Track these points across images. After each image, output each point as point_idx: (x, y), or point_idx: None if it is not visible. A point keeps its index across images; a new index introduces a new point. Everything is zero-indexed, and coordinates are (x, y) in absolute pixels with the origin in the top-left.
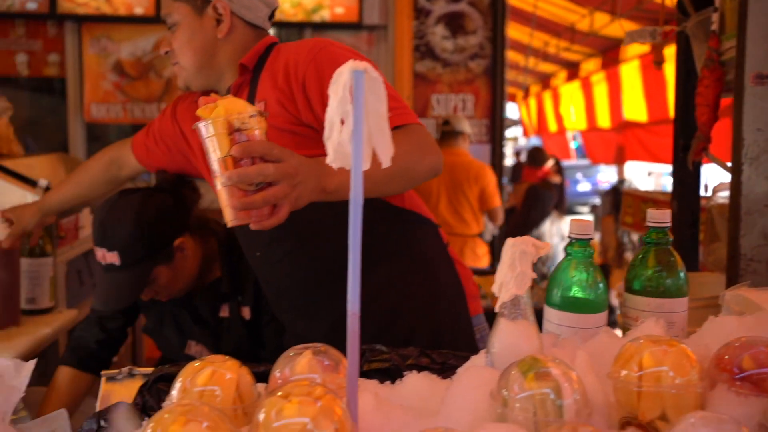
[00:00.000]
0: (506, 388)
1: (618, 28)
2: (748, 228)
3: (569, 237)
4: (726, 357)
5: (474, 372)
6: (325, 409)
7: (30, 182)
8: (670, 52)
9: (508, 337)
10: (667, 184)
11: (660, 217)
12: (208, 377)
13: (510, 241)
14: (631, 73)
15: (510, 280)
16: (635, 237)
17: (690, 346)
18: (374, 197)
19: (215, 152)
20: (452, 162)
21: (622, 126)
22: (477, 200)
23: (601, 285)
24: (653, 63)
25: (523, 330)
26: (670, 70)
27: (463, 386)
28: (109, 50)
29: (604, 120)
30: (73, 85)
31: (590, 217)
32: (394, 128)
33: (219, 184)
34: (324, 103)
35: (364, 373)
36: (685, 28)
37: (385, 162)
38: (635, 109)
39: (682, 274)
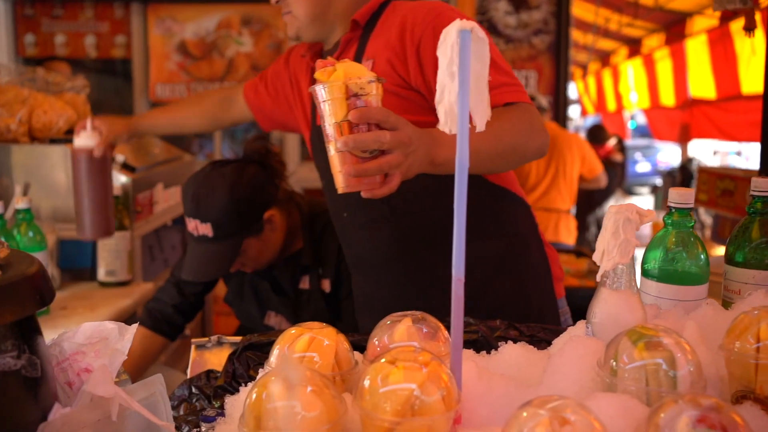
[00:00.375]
0: (615, 358)
1: (684, 1)
2: None
3: (669, 206)
4: None
5: (577, 342)
6: (432, 376)
7: None
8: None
9: (611, 307)
10: (734, 162)
11: (765, 186)
12: (307, 344)
13: (613, 208)
14: (697, 48)
15: (613, 248)
16: (706, 217)
17: None
18: (479, 173)
19: (331, 116)
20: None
21: (687, 104)
22: (577, 170)
23: (702, 256)
24: (744, 29)
25: (626, 300)
26: (740, 43)
27: (567, 356)
28: (173, 31)
29: (667, 98)
30: (139, 66)
31: (651, 198)
32: (506, 104)
33: (332, 149)
34: (437, 67)
35: None
36: None
37: (480, 126)
38: (702, 85)
39: None
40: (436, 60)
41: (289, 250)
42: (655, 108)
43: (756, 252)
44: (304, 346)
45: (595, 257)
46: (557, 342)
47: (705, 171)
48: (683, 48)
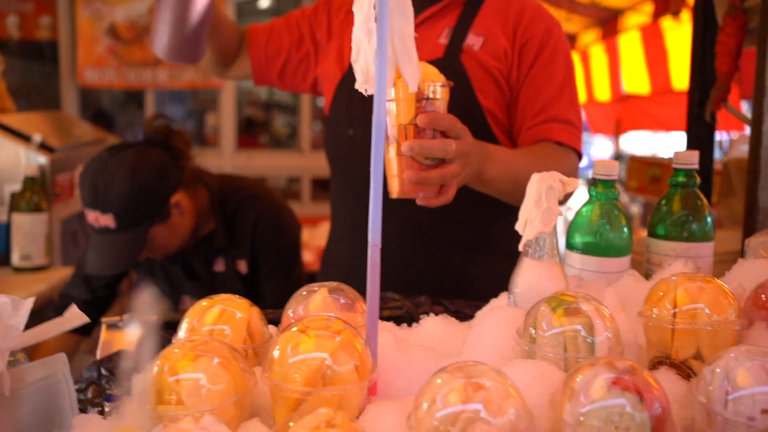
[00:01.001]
0: (534, 325)
1: None
2: (767, 180)
3: (593, 178)
4: (763, 296)
5: (498, 312)
6: (345, 345)
7: (23, 137)
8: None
9: (533, 277)
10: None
11: (687, 159)
12: (217, 316)
13: (536, 176)
14: (630, 44)
15: (536, 217)
16: (634, 207)
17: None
18: (506, 200)
19: (397, 117)
20: None
21: (621, 98)
22: None
23: (625, 229)
24: (671, 14)
25: (548, 269)
26: (671, 39)
27: (487, 326)
28: (102, 13)
29: (602, 93)
30: (66, 49)
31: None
32: (556, 143)
33: (392, 151)
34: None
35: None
36: None
37: (412, 87)
38: (636, 81)
39: (709, 219)
40: (528, 69)
41: (201, 233)
42: (590, 103)
43: (677, 225)
44: (214, 319)
45: (518, 226)
46: (479, 314)
47: (635, 159)
48: (617, 44)
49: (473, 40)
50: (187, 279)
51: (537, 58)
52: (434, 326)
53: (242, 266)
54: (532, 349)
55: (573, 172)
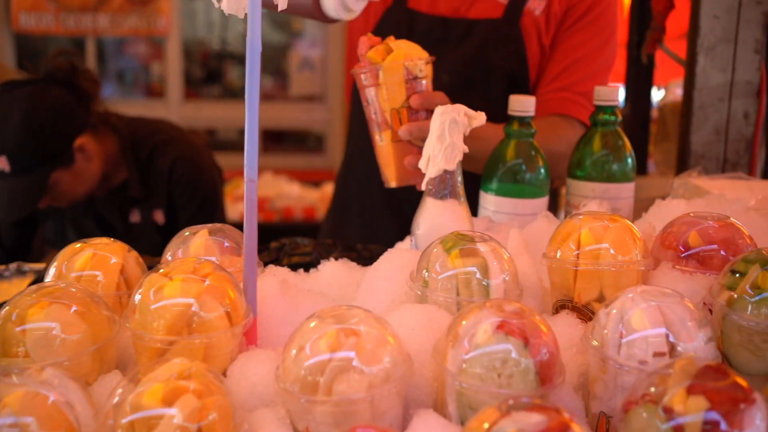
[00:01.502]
0: (427, 268)
1: None
2: (700, 123)
3: (509, 115)
4: (672, 234)
5: (395, 254)
6: (214, 289)
7: None
8: None
9: (435, 217)
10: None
11: (608, 95)
12: (88, 260)
13: (439, 110)
14: None
15: (438, 153)
16: None
17: (638, 225)
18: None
19: (387, 102)
20: None
21: None
22: None
23: (542, 169)
24: None
25: (452, 209)
26: None
27: (383, 269)
28: None
29: None
30: None
31: None
32: (559, 115)
33: (385, 139)
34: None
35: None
36: None
37: (281, 5)
38: None
39: (629, 159)
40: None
41: (113, 182)
42: None
43: (596, 165)
44: (84, 264)
45: (421, 164)
46: (381, 257)
47: None
48: None
49: (535, 4)
50: (100, 232)
51: (576, 22)
52: (333, 271)
53: (159, 216)
54: (424, 293)
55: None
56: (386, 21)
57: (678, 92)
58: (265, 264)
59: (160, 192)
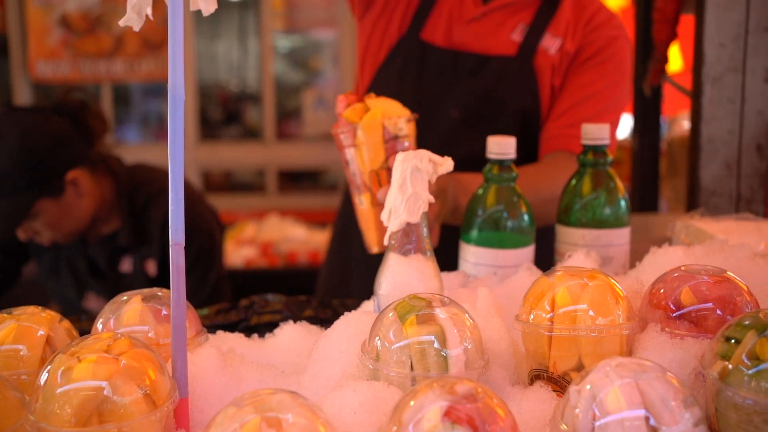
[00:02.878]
0: (380, 335)
1: None
2: (709, 157)
3: (489, 158)
4: (662, 291)
5: (352, 319)
6: (130, 369)
7: None
8: None
9: (399, 276)
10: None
11: (597, 133)
12: (10, 332)
13: (401, 156)
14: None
15: (400, 205)
16: None
17: (624, 281)
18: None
19: (365, 163)
20: None
21: None
22: None
23: (525, 216)
24: None
25: (417, 266)
26: None
27: (337, 337)
28: (53, 3)
29: None
30: (16, 41)
31: None
32: (565, 152)
33: (365, 202)
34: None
35: (251, 328)
36: None
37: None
38: None
39: (622, 202)
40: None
41: (106, 228)
42: None
43: (587, 209)
44: (5, 336)
45: (383, 217)
46: (339, 319)
47: None
48: None
49: (549, 42)
50: (92, 276)
51: (587, 61)
52: (290, 336)
53: (151, 267)
54: (375, 368)
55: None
56: (399, 51)
57: (687, 125)
58: (237, 323)
59: (154, 242)
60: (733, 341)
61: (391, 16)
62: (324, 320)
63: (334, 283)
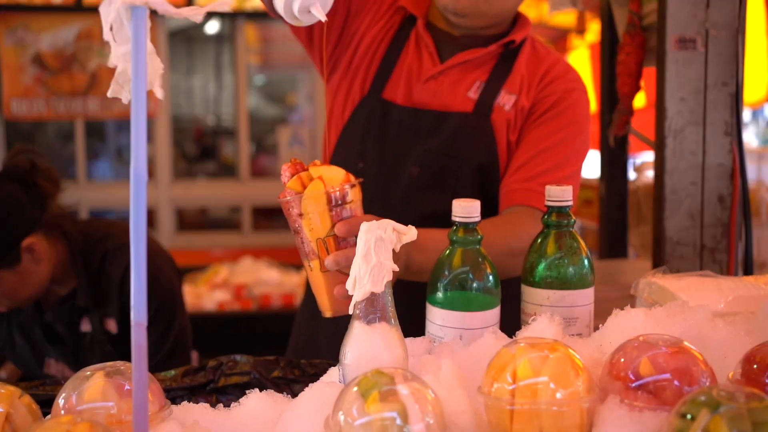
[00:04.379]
0: (344, 411)
1: (566, 17)
2: (673, 209)
3: (453, 221)
4: (622, 360)
5: (316, 391)
6: None
7: None
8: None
9: (363, 345)
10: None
11: (559, 195)
12: None
13: (364, 226)
14: (580, 62)
15: (365, 275)
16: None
17: (586, 349)
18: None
19: (311, 231)
20: None
21: None
22: None
23: (491, 277)
24: (575, 32)
25: (382, 335)
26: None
27: (302, 410)
28: (27, 41)
29: None
30: None
31: None
32: (523, 206)
33: (314, 268)
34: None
35: (219, 390)
36: None
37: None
38: None
39: (586, 262)
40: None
41: (62, 290)
42: None
43: (551, 269)
44: None
45: (348, 286)
46: (304, 390)
47: None
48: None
49: (505, 99)
50: (47, 341)
51: (542, 114)
52: (255, 406)
53: (112, 325)
54: None
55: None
56: (361, 110)
57: (651, 174)
58: (204, 385)
59: (113, 300)
60: (689, 416)
61: (354, 77)
62: (292, 380)
63: (305, 335)
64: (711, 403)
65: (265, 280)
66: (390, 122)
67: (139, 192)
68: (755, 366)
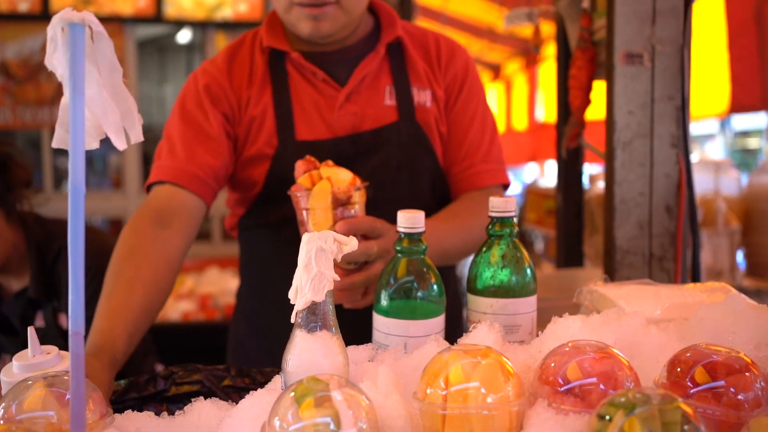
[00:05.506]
0: (279, 417)
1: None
2: (623, 218)
3: (399, 231)
4: (552, 365)
5: (257, 399)
6: None
7: None
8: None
9: (304, 353)
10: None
11: (503, 206)
12: None
13: (306, 237)
14: (547, 73)
15: (305, 284)
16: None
17: (521, 355)
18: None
19: (315, 225)
20: None
21: (537, 128)
22: None
23: (435, 286)
24: (531, 48)
25: (323, 343)
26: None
27: (241, 417)
28: None
29: (520, 122)
30: None
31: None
32: (478, 190)
33: None
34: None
35: (170, 399)
36: (559, 7)
37: (134, 138)
38: (549, 110)
39: (528, 271)
40: (451, 109)
41: (17, 284)
42: (508, 132)
43: (494, 279)
44: None
45: (290, 294)
46: (245, 398)
47: (532, 191)
48: (535, 73)
49: (421, 97)
50: (3, 335)
51: (458, 96)
52: (199, 413)
53: (64, 320)
54: None
55: None
56: (282, 157)
57: (602, 185)
58: (156, 393)
59: (65, 295)
60: (607, 417)
61: (255, 138)
62: (242, 389)
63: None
64: (627, 405)
65: (231, 290)
66: (324, 157)
67: (76, 204)
68: (679, 369)
